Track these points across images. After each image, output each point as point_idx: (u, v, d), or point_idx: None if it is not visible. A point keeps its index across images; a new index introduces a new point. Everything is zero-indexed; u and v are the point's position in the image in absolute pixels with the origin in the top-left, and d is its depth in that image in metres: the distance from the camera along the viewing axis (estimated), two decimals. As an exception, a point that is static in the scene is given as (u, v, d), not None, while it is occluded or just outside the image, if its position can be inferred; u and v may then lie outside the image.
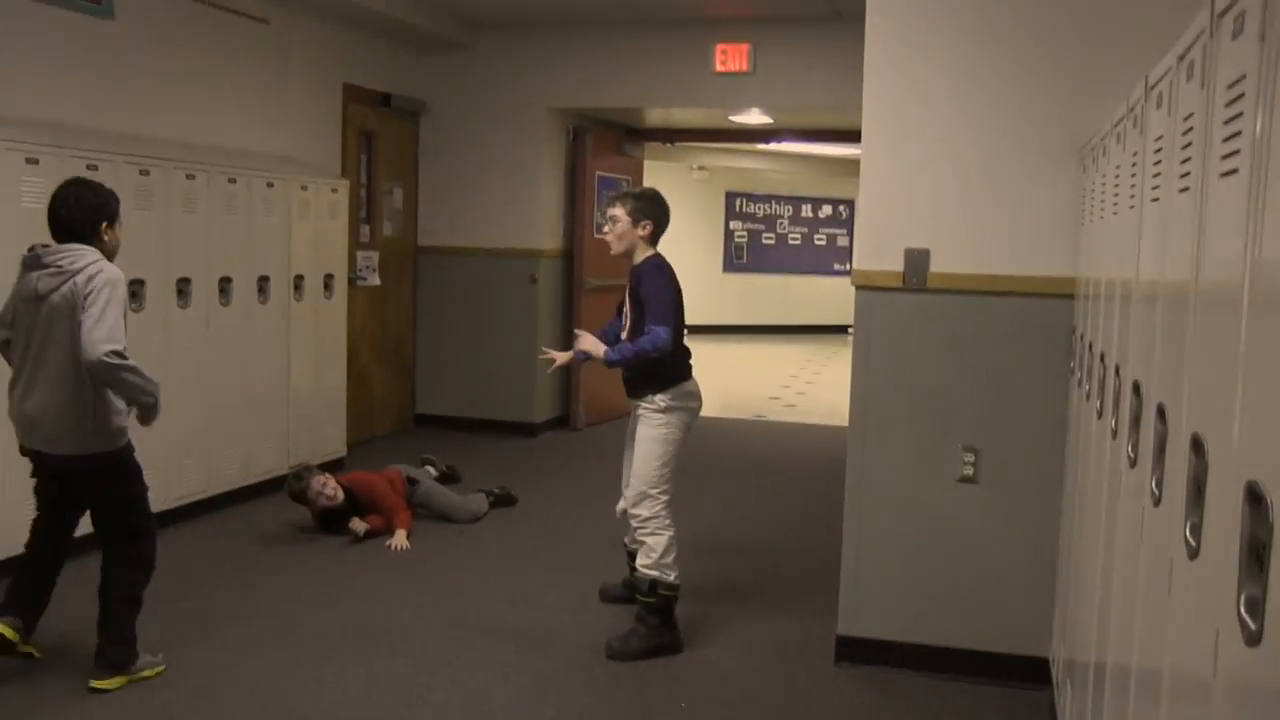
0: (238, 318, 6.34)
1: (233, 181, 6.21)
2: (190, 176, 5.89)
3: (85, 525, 5.19)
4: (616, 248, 4.51)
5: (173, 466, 5.91)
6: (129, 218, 5.37)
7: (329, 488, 5.86)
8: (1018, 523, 4.10)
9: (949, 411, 4.14)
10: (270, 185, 6.55)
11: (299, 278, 6.89)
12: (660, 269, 4.40)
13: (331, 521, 5.93)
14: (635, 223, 4.44)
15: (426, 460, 6.86)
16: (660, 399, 4.37)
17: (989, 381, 4.10)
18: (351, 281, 7.87)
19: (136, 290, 5.53)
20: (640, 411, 4.43)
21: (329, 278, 7.24)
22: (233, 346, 6.31)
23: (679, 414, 4.41)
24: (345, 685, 4.01)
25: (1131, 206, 2.43)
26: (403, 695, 3.94)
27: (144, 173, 5.56)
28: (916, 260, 4.12)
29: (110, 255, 3.89)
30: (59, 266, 3.74)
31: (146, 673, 3.99)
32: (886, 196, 4.18)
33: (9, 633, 3.98)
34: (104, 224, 3.88)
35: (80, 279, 3.70)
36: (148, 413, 3.90)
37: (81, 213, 3.85)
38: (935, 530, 4.18)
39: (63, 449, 3.84)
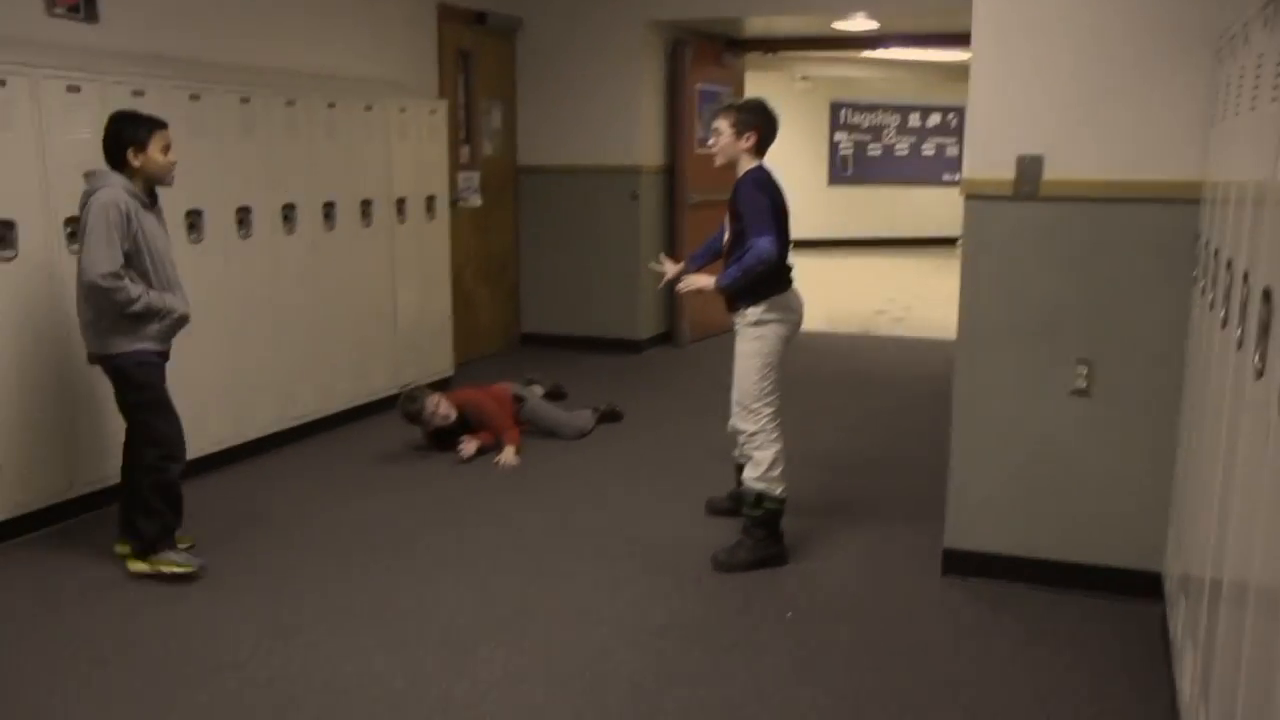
0: (343, 242, 6.44)
1: (332, 106, 6.26)
2: (290, 103, 5.95)
3: (214, 442, 5.40)
4: (720, 160, 4.44)
5: (286, 389, 6.06)
6: (232, 147, 5.51)
7: (443, 407, 5.96)
8: (1132, 436, 4.00)
9: (1061, 324, 4.03)
10: (369, 108, 6.59)
11: (401, 200, 6.95)
12: (758, 182, 4.30)
13: (443, 438, 6.04)
14: (739, 134, 4.35)
15: (531, 380, 6.92)
16: (753, 311, 4.31)
17: (1104, 292, 3.98)
18: (453, 203, 7.91)
19: (244, 218, 5.65)
20: (737, 326, 4.40)
21: (431, 199, 7.29)
22: (339, 270, 6.41)
23: (774, 326, 4.34)
24: (460, 598, 4.10)
25: (1274, 99, 2.28)
26: (515, 607, 4.02)
27: (245, 100, 5.63)
28: (1029, 167, 3.99)
29: (156, 179, 4.18)
30: (85, 190, 4.10)
31: (166, 568, 4.25)
32: (997, 100, 4.04)
33: (120, 549, 4.39)
34: (130, 150, 4.10)
35: (87, 202, 4.04)
36: (158, 328, 4.17)
37: (108, 141, 4.12)
38: (1045, 444, 4.11)
39: (88, 348, 4.21)
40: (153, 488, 4.25)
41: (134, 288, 4.04)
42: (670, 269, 4.79)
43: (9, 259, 4.48)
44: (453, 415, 5.98)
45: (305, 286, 6.14)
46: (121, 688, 3.42)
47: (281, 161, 5.91)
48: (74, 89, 4.72)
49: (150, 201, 4.18)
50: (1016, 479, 4.16)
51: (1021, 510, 4.17)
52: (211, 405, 5.53)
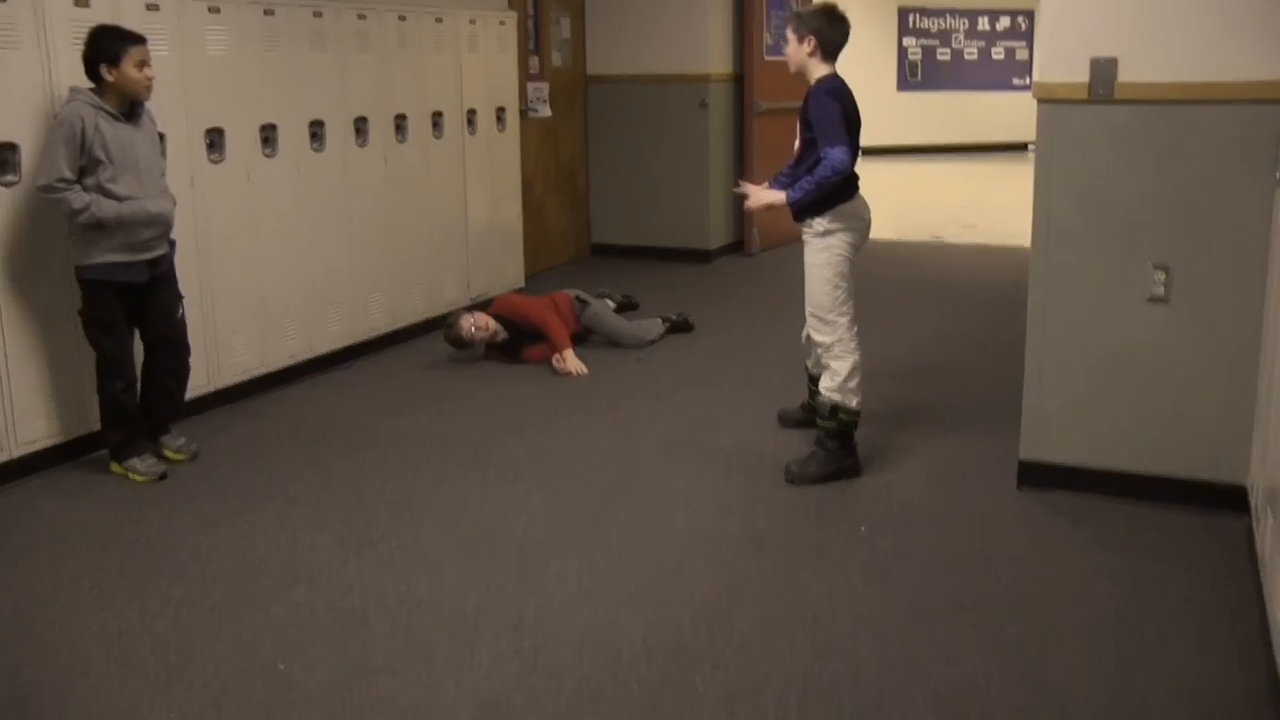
0: (414, 154, 6.43)
1: (402, 19, 6.22)
2: (361, 16, 5.92)
3: (288, 356, 5.48)
4: (792, 68, 4.36)
5: (359, 301, 6.12)
6: (304, 61, 5.51)
7: (480, 322, 5.96)
8: (1213, 343, 3.90)
9: (1137, 230, 3.92)
10: (439, 20, 6.53)
11: (471, 112, 6.92)
12: (830, 92, 4.19)
13: (506, 351, 6.07)
14: (800, 39, 4.26)
15: (603, 293, 6.91)
16: (820, 222, 4.24)
17: (1182, 196, 3.85)
18: (523, 114, 7.87)
19: (317, 132, 5.66)
20: (805, 237, 4.34)
21: (501, 111, 7.25)
22: (410, 183, 6.42)
23: (842, 234, 4.27)
24: (532, 509, 4.15)
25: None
26: (587, 520, 4.06)
27: (317, 14, 5.62)
28: (1103, 70, 3.86)
29: (130, 93, 4.23)
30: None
31: (131, 475, 4.46)
32: (1070, 1, 3.90)
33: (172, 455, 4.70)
34: (102, 65, 4.17)
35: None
36: (121, 239, 4.24)
37: (85, 55, 4.20)
38: (1123, 352, 4.02)
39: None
40: (102, 401, 4.43)
41: (78, 197, 4.12)
42: (749, 189, 4.70)
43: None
44: (491, 327, 5.98)
45: (377, 199, 6.17)
46: (198, 599, 3.50)
47: (353, 75, 5.90)
48: (153, 7, 4.73)
49: (128, 114, 4.25)
50: (1093, 388, 4.09)
51: (1098, 421, 4.10)
52: (285, 318, 5.61)
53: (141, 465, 4.45)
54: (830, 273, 4.27)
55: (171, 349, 4.59)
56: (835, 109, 4.15)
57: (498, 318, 6.04)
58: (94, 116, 4.11)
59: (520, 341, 6.04)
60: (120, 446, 4.47)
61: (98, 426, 4.55)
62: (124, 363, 4.40)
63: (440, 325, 6.18)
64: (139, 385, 4.53)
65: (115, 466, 4.48)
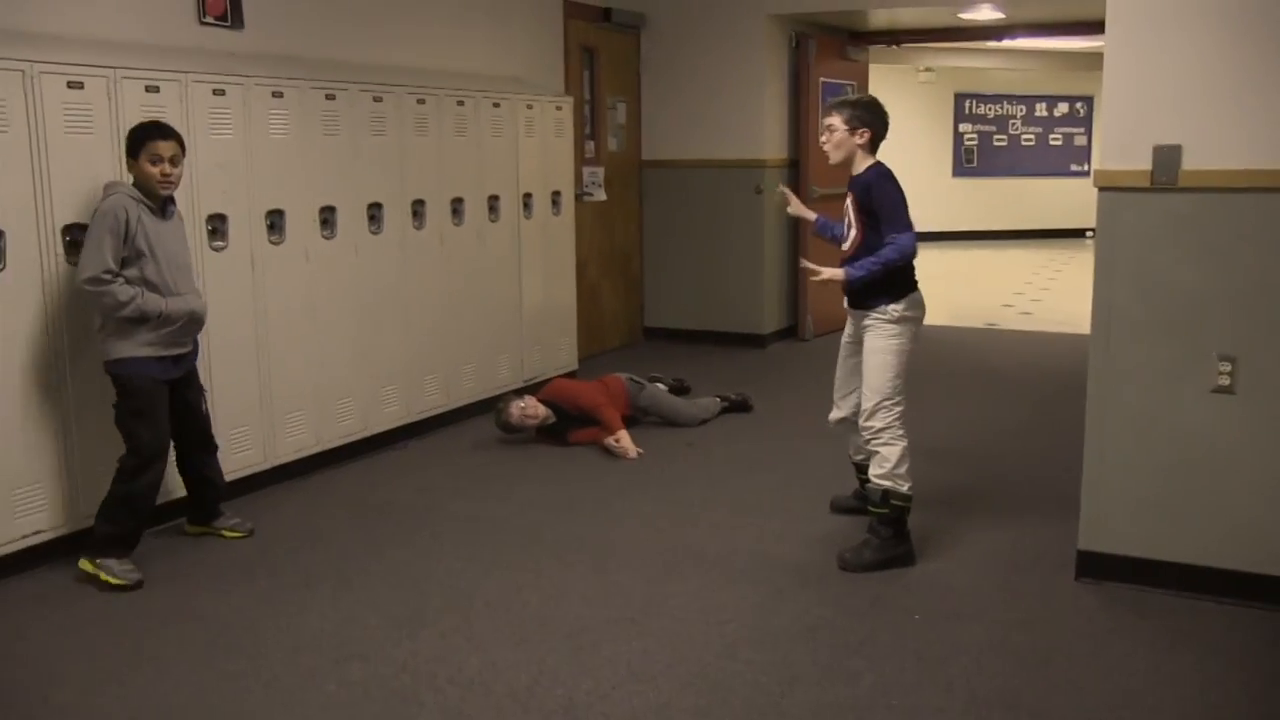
0: (470, 237, 6.52)
1: (461, 104, 6.35)
2: (421, 101, 6.05)
3: (342, 435, 5.53)
4: (835, 157, 4.41)
5: (414, 381, 6.17)
6: (364, 144, 5.63)
7: (530, 408, 5.99)
8: None
9: (1201, 319, 3.88)
10: (497, 105, 6.66)
11: (527, 195, 7.02)
12: (887, 176, 4.28)
13: (554, 434, 6.09)
14: (853, 131, 4.32)
15: (654, 378, 6.92)
16: (894, 309, 4.28)
17: (1248, 285, 3.81)
18: (578, 198, 7.96)
19: (375, 214, 5.76)
20: (870, 322, 4.35)
21: (556, 194, 7.35)
22: (466, 265, 6.51)
23: (911, 324, 4.32)
24: (585, 594, 4.13)
25: None
26: (639, 605, 4.03)
27: (377, 100, 5.75)
28: (1166, 157, 3.86)
29: (145, 189, 4.23)
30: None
31: (104, 576, 4.20)
32: (1133, 88, 3.90)
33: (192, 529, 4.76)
34: (127, 159, 4.25)
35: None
36: (159, 333, 4.25)
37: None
38: (1186, 443, 3.96)
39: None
40: (117, 495, 4.26)
41: (123, 290, 4.11)
42: (795, 202, 4.83)
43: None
44: (541, 412, 6.01)
45: (433, 281, 6.25)
46: (252, 676, 3.51)
47: (412, 158, 6.01)
48: (219, 92, 4.87)
49: (160, 208, 4.26)
50: (1155, 479, 4.02)
51: (1160, 512, 4.03)
52: (341, 397, 5.67)
53: (118, 568, 4.21)
54: (894, 359, 4.29)
55: (203, 442, 4.63)
56: (900, 194, 4.23)
57: (547, 402, 6.07)
58: (135, 209, 4.15)
59: (568, 425, 6.06)
60: (107, 543, 4.24)
61: (165, 497, 4.59)
62: (159, 455, 4.30)
63: (494, 406, 6.22)
64: (183, 477, 4.59)
65: (86, 564, 4.23)
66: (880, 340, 4.33)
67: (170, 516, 4.82)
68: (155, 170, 4.20)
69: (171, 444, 4.46)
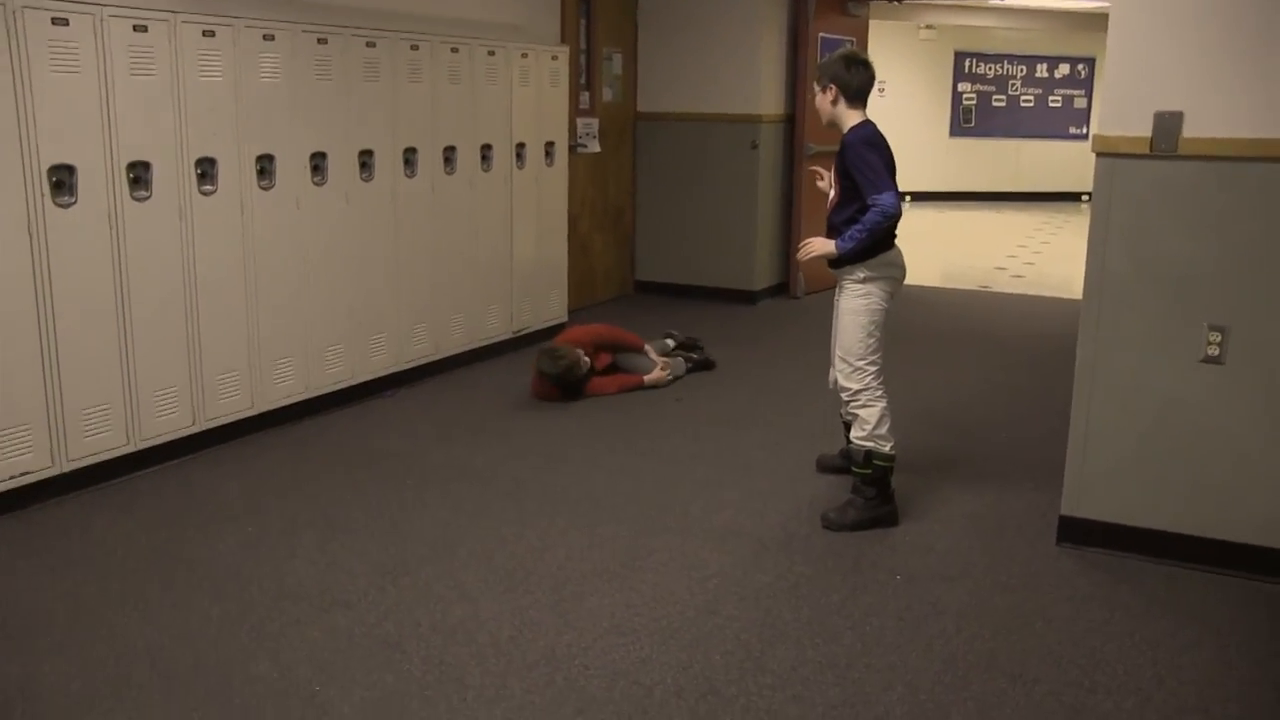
0: (462, 186, 6.49)
1: (455, 51, 6.29)
2: (414, 47, 5.99)
3: (331, 382, 5.49)
4: (823, 119, 4.38)
5: (404, 331, 6.16)
6: (356, 90, 5.59)
7: (584, 354, 6.02)
8: (1268, 406, 3.84)
9: (1193, 288, 3.88)
10: (491, 54, 6.60)
11: (520, 146, 6.97)
12: (865, 141, 4.19)
13: (574, 388, 6.07)
14: (822, 90, 4.28)
15: (668, 334, 6.91)
16: (859, 270, 4.27)
17: (1243, 256, 3.80)
18: (572, 149, 7.92)
19: (366, 161, 5.72)
20: (842, 282, 4.35)
21: (550, 145, 7.30)
22: (457, 215, 6.48)
23: (880, 283, 4.29)
24: (569, 545, 4.15)
25: None
26: (623, 558, 4.05)
27: (370, 45, 5.69)
28: (1167, 124, 3.83)
29: None
30: None
31: None
32: (1136, 52, 3.85)
33: None
34: None
35: None
36: None
37: None
38: (1173, 412, 3.97)
39: None
40: None
41: None
42: (827, 177, 4.63)
43: (143, 199, 4.61)
44: (587, 357, 6.05)
45: (424, 230, 6.22)
46: (237, 620, 3.53)
47: (404, 105, 5.96)
48: (209, 34, 4.82)
49: None
50: (1140, 446, 4.04)
51: (1144, 480, 4.05)
52: (330, 345, 5.66)
53: None
54: (865, 320, 4.28)
55: None
56: (874, 157, 4.15)
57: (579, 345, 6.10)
58: None
59: (590, 373, 6.10)
60: None
61: (153, 442, 4.61)
62: None
63: (483, 357, 6.20)
64: None
65: None
66: (848, 300, 4.33)
67: (158, 460, 4.82)
68: None
69: None
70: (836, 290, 4.46)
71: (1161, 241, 3.91)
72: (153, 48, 4.57)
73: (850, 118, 4.28)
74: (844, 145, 4.25)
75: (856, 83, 4.27)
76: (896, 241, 4.33)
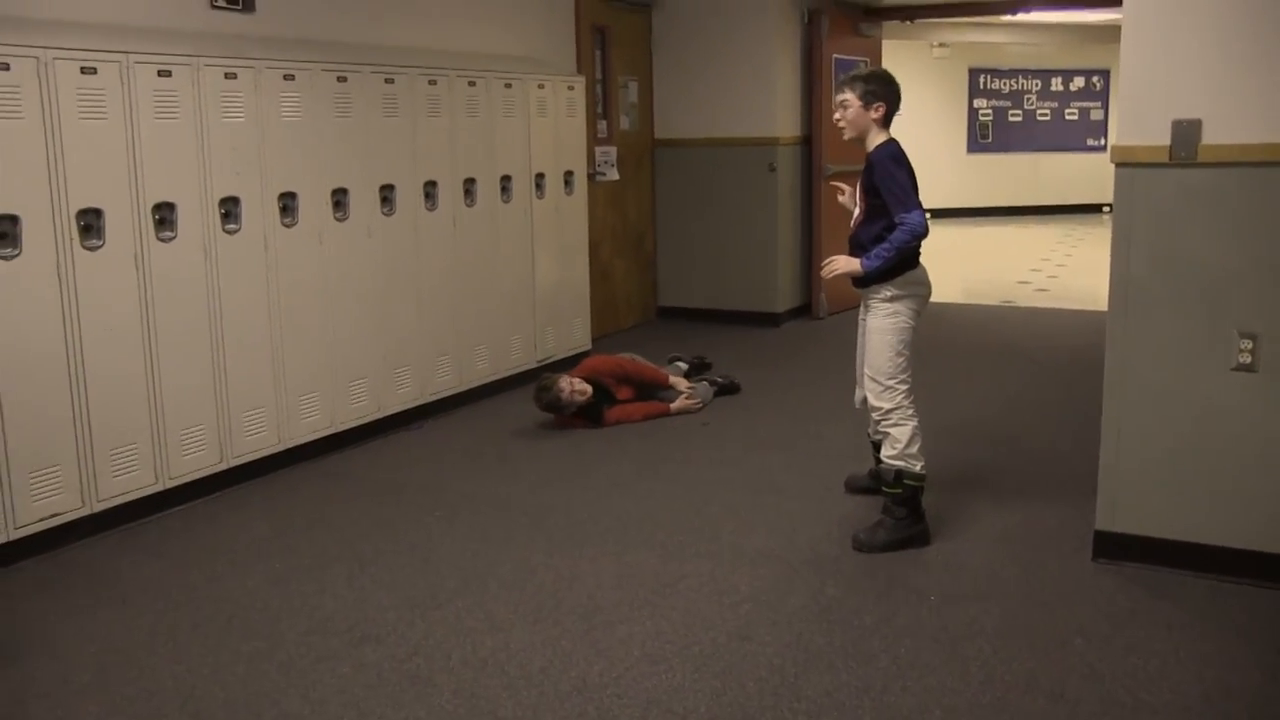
0: (483, 218, 6.50)
1: (472, 84, 6.32)
2: (432, 82, 6.02)
3: (356, 416, 5.50)
4: (848, 133, 4.36)
5: (427, 363, 6.17)
6: (376, 126, 5.63)
7: (576, 385, 5.96)
8: (1305, 414, 3.80)
9: (1221, 295, 3.84)
10: (508, 86, 6.63)
11: (540, 176, 6.99)
12: (894, 157, 4.20)
13: (586, 413, 6.05)
14: (867, 106, 4.26)
15: (674, 357, 6.91)
16: (887, 288, 4.24)
17: (1270, 261, 3.75)
18: (591, 177, 7.94)
19: (388, 195, 5.75)
20: (869, 301, 4.33)
21: (569, 174, 7.32)
22: (479, 246, 6.49)
23: (907, 301, 4.27)
24: (598, 574, 4.12)
25: None
26: (653, 585, 4.02)
27: (389, 81, 5.72)
28: (1186, 132, 3.81)
29: None
30: None
31: None
32: (1151, 62, 3.84)
33: None
34: None
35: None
36: None
37: None
38: (1206, 422, 3.92)
39: None
40: None
41: None
42: (849, 192, 4.63)
43: (168, 240, 4.64)
44: (588, 389, 5.99)
45: (446, 262, 6.23)
46: (267, 657, 3.52)
47: (424, 139, 5.99)
48: (231, 76, 4.86)
49: None
50: (1174, 458, 3.99)
51: (1179, 492, 4.00)
52: (355, 379, 5.67)
53: None
54: (894, 339, 4.26)
55: None
56: (903, 175, 4.16)
57: (587, 379, 6.05)
58: None
59: (604, 402, 6.06)
60: None
61: (181, 480, 4.66)
62: None
63: (507, 387, 6.20)
64: None
65: None
66: (877, 320, 4.30)
67: (186, 499, 4.83)
68: None
69: None
70: (861, 309, 4.44)
71: (1186, 250, 3.87)
72: (177, 91, 4.62)
73: (880, 136, 4.29)
74: (871, 162, 4.24)
75: (898, 105, 4.32)
76: (920, 259, 4.32)
